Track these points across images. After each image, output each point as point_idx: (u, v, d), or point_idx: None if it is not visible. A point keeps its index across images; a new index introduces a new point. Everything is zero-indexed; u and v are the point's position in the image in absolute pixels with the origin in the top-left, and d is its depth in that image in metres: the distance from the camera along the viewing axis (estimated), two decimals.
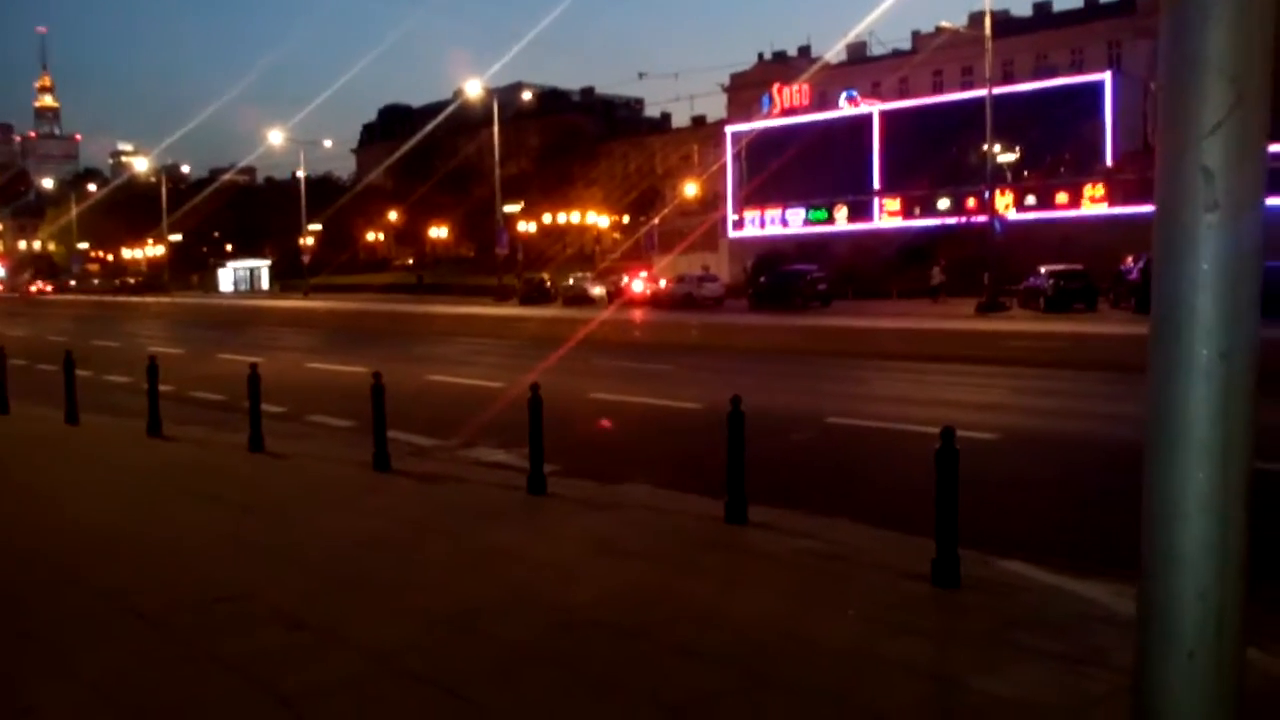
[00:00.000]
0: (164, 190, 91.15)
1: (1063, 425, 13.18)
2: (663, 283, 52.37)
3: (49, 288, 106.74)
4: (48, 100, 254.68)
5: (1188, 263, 2.08)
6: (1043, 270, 37.10)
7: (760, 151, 60.86)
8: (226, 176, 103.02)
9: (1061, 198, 49.46)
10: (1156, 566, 2.17)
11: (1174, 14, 2.10)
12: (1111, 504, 8.82)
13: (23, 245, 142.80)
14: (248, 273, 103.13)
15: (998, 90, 40.42)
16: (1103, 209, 47.77)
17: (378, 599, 6.26)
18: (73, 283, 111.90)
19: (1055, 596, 6.07)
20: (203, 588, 6.53)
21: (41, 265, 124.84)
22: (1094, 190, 48.64)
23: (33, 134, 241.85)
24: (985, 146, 39.34)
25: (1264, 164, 2.10)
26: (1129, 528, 7.76)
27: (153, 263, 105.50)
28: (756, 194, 61.43)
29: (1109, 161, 49.53)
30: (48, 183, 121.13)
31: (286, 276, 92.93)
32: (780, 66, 78.26)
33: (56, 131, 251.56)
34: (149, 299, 74.10)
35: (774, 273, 47.62)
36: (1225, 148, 2.04)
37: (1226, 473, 2.08)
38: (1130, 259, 35.40)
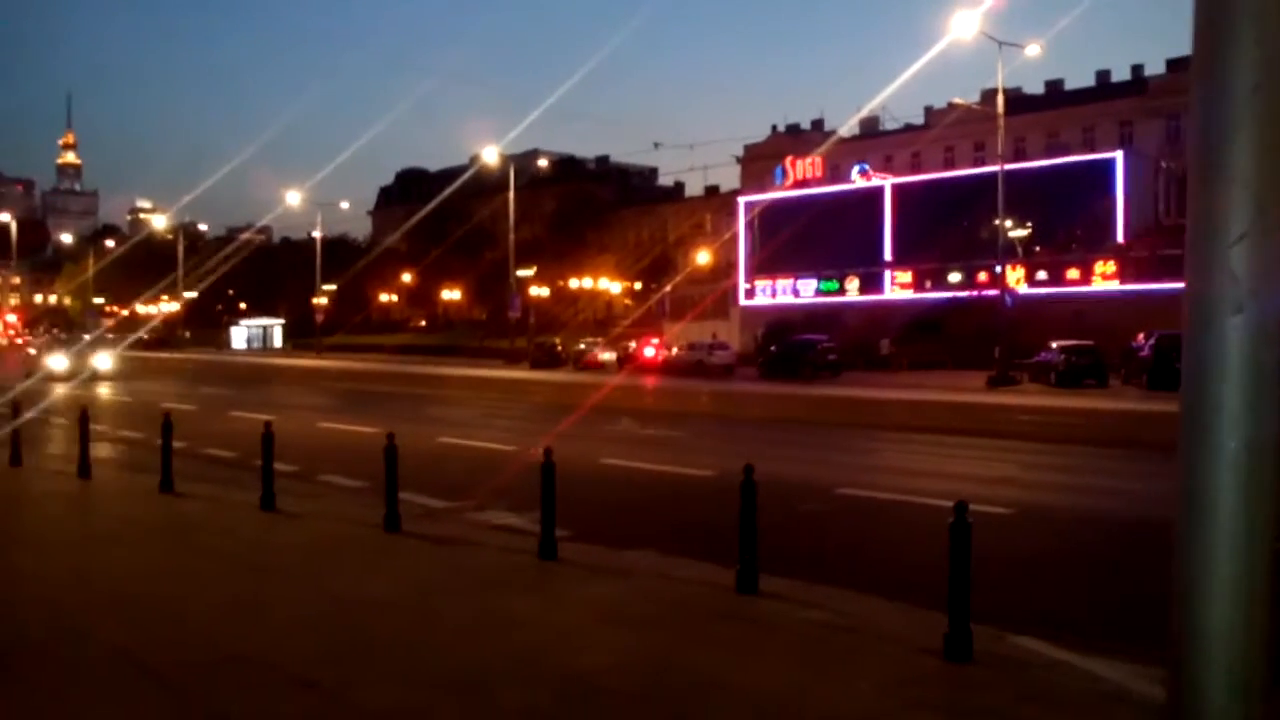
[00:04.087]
0: (180, 248, 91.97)
1: (1075, 501, 13.13)
2: (674, 349, 52.54)
3: (19, 339, 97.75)
4: (70, 157, 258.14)
5: (1215, 361, 2.23)
6: (1054, 345, 37.16)
7: (773, 221, 61.34)
8: (244, 236, 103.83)
9: (1073, 274, 49.70)
10: (1184, 644, 2.28)
11: (1201, 134, 2.26)
12: (1123, 581, 8.78)
13: (39, 299, 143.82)
14: (260, 331, 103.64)
15: (1010, 167, 40.74)
16: (1114, 285, 47.96)
17: (387, 661, 6.24)
18: (87, 337, 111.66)
19: (1067, 673, 6.03)
20: (211, 646, 6.53)
21: (58, 319, 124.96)
22: (1105, 267, 48.88)
23: (54, 189, 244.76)
24: (997, 221, 39.57)
25: None
26: (1141, 604, 7.67)
27: (168, 320, 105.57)
28: (768, 263, 61.83)
29: (1120, 238, 49.83)
30: (66, 238, 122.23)
31: (300, 335, 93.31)
32: (793, 139, 79.17)
33: (77, 188, 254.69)
34: (163, 355, 74.42)
35: (784, 342, 47.79)
36: (1250, 256, 2.19)
37: (1251, 556, 2.21)
38: (1142, 336, 35.43)
